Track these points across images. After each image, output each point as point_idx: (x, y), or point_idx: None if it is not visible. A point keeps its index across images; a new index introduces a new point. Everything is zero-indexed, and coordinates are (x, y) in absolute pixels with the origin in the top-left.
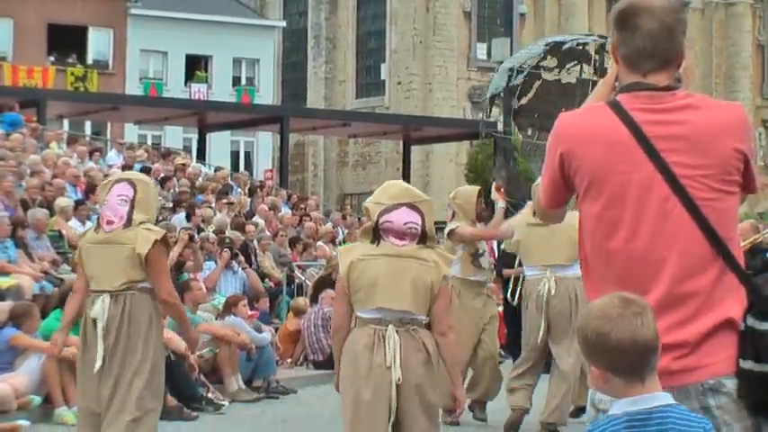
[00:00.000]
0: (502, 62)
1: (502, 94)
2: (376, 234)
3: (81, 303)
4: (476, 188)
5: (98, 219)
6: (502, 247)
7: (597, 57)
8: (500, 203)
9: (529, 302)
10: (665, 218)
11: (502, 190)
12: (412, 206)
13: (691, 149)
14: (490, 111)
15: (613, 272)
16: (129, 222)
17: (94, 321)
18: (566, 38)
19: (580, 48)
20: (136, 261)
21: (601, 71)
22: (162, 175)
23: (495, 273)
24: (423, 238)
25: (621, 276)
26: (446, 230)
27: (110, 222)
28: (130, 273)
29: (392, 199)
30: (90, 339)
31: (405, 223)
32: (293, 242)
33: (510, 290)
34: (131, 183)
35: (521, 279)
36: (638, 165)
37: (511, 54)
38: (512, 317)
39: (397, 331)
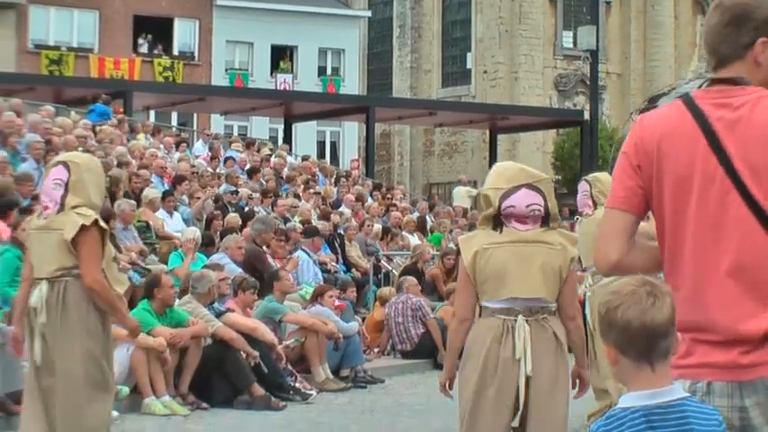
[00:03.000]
0: (588, 50)
1: None
2: (497, 220)
3: (27, 291)
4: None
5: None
6: None
7: None
8: None
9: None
10: (724, 213)
11: None
12: (531, 187)
13: (755, 145)
14: None
15: (682, 264)
16: (62, 207)
17: (34, 310)
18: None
19: None
20: (65, 247)
21: None
22: (248, 165)
23: None
24: (545, 220)
25: (689, 268)
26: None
27: (46, 208)
28: (62, 259)
29: (510, 182)
30: (30, 330)
31: (527, 206)
32: (383, 232)
33: None
34: (66, 165)
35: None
36: (702, 158)
37: (597, 41)
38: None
39: (526, 321)
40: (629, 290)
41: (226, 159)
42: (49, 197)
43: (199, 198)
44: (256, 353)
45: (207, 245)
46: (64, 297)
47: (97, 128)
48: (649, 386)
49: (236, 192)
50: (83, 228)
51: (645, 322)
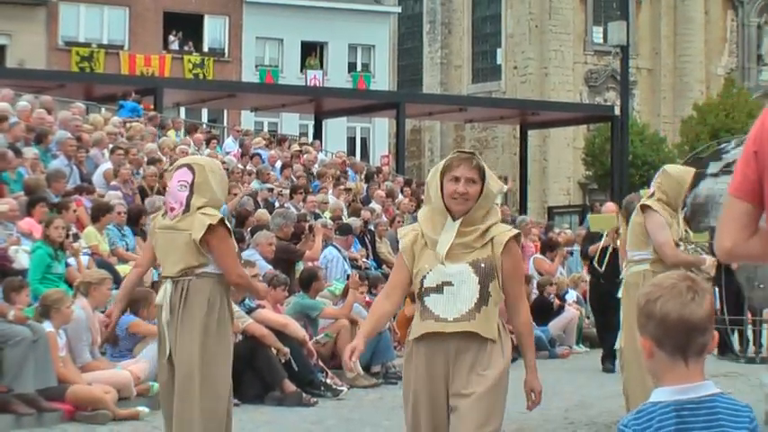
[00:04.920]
0: (618, 46)
1: None
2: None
3: (138, 279)
4: (690, 171)
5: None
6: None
7: None
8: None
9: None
10: None
11: None
12: None
13: None
14: None
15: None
16: (187, 208)
17: (160, 308)
18: None
19: None
20: (193, 247)
21: None
22: (279, 162)
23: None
24: None
25: None
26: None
27: (172, 209)
28: (188, 259)
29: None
30: (160, 327)
31: None
32: None
33: (597, 258)
34: (190, 167)
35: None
36: None
37: (627, 37)
38: (600, 301)
39: None
40: (670, 283)
41: (252, 156)
42: (175, 198)
43: (236, 195)
44: (287, 349)
45: (237, 241)
46: (186, 296)
47: (127, 124)
48: (682, 381)
49: (273, 189)
50: (210, 227)
51: (683, 315)
